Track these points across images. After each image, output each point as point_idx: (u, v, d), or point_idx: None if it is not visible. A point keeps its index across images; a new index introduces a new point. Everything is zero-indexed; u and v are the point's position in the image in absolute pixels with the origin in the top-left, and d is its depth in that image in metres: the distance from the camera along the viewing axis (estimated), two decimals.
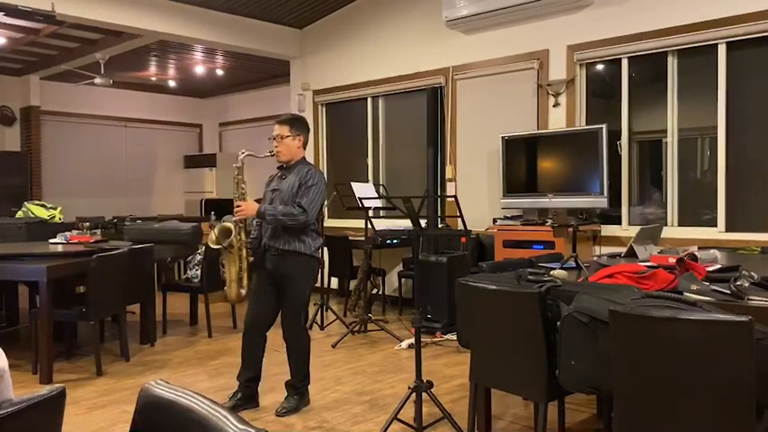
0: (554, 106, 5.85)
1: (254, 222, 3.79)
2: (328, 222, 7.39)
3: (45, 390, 1.15)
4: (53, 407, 1.14)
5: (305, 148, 3.79)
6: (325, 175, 7.93)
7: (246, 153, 3.77)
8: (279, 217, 3.55)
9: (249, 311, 3.76)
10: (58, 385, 1.18)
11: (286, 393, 3.74)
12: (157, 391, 1.19)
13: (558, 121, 5.82)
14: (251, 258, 3.72)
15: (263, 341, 3.75)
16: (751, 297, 2.37)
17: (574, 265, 3.39)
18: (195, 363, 4.79)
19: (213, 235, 3.74)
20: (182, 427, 1.12)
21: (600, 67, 5.77)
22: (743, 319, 1.96)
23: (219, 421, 1.07)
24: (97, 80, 8.48)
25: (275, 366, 4.55)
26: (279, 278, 3.65)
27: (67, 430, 3.16)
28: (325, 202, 7.41)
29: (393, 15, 7.11)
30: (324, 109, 8.03)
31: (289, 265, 3.62)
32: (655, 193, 5.57)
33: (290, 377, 3.76)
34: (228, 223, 3.74)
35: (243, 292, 3.73)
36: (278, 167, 3.79)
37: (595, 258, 4.20)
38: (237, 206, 3.62)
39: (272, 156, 3.73)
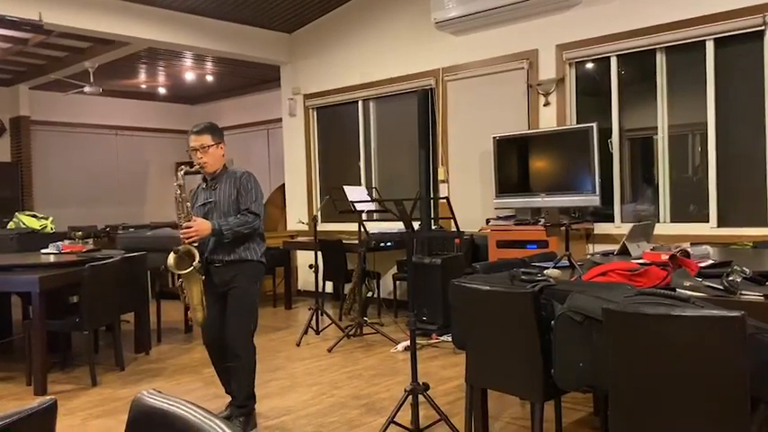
0: (544, 106, 5.86)
1: None
2: (321, 226, 7.37)
3: (35, 403, 1.14)
4: (43, 421, 1.13)
5: (224, 157, 3.59)
6: (318, 180, 8.01)
7: (186, 169, 3.50)
8: (235, 229, 3.37)
9: (204, 329, 3.57)
10: (48, 398, 1.17)
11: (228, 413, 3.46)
12: (150, 401, 1.19)
13: (548, 120, 5.84)
14: (203, 277, 3.47)
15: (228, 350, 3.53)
16: (743, 292, 2.37)
17: (567, 263, 3.39)
18: (191, 371, 4.77)
19: (172, 260, 3.37)
20: None
21: (589, 65, 5.79)
22: (735, 314, 1.97)
23: (212, 430, 1.06)
24: (87, 89, 8.45)
25: (269, 372, 4.54)
26: (225, 289, 3.46)
27: None
28: (319, 207, 7.39)
29: (382, 18, 7.11)
30: (315, 113, 8.02)
31: (234, 273, 3.44)
32: (647, 190, 5.59)
33: (235, 395, 3.50)
34: (189, 246, 3.39)
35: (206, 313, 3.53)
36: (203, 179, 3.61)
37: (589, 256, 4.21)
38: (187, 227, 3.34)
39: (201, 168, 3.51)
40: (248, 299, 3.49)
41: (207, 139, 3.49)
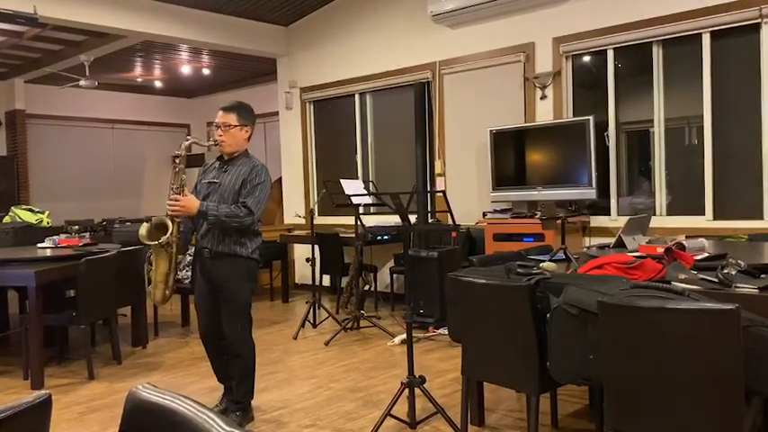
0: (541, 99, 5.86)
1: None
2: (318, 220, 7.39)
3: (30, 397, 1.14)
4: (38, 415, 1.13)
5: (249, 141, 3.44)
6: (315, 173, 8.00)
7: (192, 140, 3.44)
8: (222, 218, 3.20)
9: (200, 322, 3.50)
10: (43, 392, 1.17)
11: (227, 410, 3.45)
12: (144, 395, 1.19)
13: (545, 113, 5.83)
14: (180, 256, 3.36)
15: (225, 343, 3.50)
16: (738, 285, 2.38)
17: (563, 256, 3.40)
18: (188, 364, 4.77)
19: (144, 229, 3.29)
20: (169, 430, 1.11)
21: (586, 58, 5.78)
22: (730, 306, 1.98)
23: (206, 423, 1.07)
24: (82, 82, 8.42)
25: (267, 366, 4.55)
26: (215, 282, 3.36)
27: None
28: (315, 203, 7.40)
29: (379, 11, 7.09)
30: (312, 106, 8.00)
31: (223, 268, 3.32)
32: (643, 183, 5.60)
33: (234, 391, 3.46)
34: (165, 218, 3.30)
35: (168, 293, 3.38)
36: (218, 158, 3.47)
37: (585, 249, 4.21)
38: (174, 200, 3.21)
39: (216, 145, 3.38)
40: (241, 299, 3.39)
41: (232, 119, 3.35)
